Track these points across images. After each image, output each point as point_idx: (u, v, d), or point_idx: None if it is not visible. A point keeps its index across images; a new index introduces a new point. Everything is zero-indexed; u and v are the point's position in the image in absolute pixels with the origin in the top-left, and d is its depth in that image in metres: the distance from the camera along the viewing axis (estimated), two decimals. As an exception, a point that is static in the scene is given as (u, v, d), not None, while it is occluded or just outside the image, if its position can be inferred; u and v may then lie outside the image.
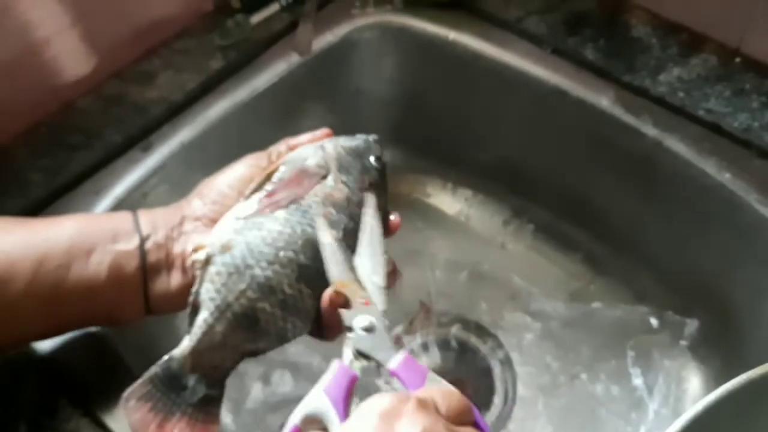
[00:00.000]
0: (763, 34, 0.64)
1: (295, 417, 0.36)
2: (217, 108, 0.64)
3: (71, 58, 0.61)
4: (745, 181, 0.59)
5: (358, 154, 0.47)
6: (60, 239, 0.42)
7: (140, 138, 0.62)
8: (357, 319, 0.40)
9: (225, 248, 0.41)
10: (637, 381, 0.67)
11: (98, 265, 0.42)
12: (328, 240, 0.42)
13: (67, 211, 0.57)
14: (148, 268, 0.43)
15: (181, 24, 0.68)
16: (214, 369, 0.41)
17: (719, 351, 0.65)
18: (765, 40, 0.64)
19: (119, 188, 0.59)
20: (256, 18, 0.69)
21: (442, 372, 0.70)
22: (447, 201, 0.80)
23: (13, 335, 0.43)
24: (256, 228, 0.42)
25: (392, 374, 0.39)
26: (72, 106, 0.63)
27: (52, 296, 0.42)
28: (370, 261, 0.42)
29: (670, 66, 0.65)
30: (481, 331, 0.72)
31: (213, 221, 0.44)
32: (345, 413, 0.36)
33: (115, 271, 0.42)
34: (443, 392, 0.34)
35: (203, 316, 0.40)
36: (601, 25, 0.69)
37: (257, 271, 0.41)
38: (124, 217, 0.44)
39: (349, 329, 0.40)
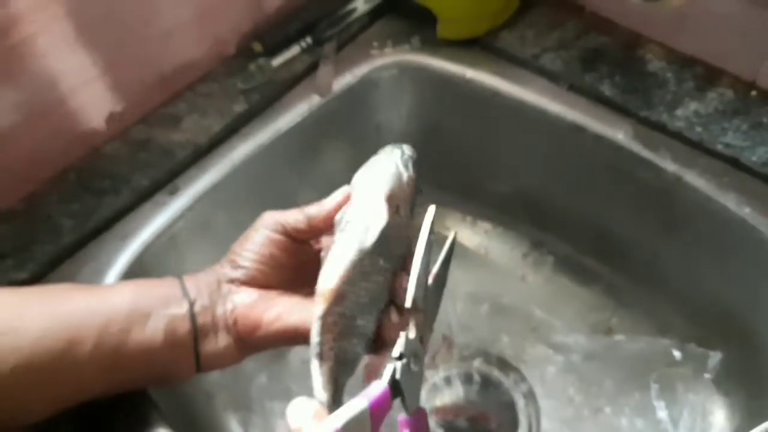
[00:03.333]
0: (779, 67, 0.65)
1: (337, 421, 0.36)
2: (242, 150, 0.66)
3: (99, 105, 0.63)
4: (765, 216, 0.59)
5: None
6: (120, 306, 0.45)
7: (167, 181, 0.63)
8: (410, 354, 0.41)
9: (339, 299, 0.43)
10: (662, 414, 0.67)
11: (154, 330, 0.45)
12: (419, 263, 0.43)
13: (97, 256, 0.59)
14: (198, 330, 0.46)
15: (205, 68, 0.70)
16: None
17: (743, 383, 0.65)
18: (781, 73, 0.65)
19: (147, 232, 0.60)
20: (278, 60, 0.71)
21: (466, 406, 0.70)
22: (467, 234, 0.80)
23: (74, 398, 0.45)
24: (364, 280, 0.43)
25: (400, 422, 0.40)
26: (100, 152, 0.65)
27: (113, 360, 0.44)
28: (434, 301, 0.44)
29: (687, 100, 0.66)
30: (504, 364, 0.72)
31: (243, 283, 0.47)
32: None
33: (170, 335, 0.45)
34: None
35: (329, 365, 0.42)
36: (617, 61, 0.70)
37: (360, 322, 0.43)
38: (172, 283, 0.47)
39: (400, 357, 0.40)
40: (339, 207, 0.47)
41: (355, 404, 0.38)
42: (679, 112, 0.65)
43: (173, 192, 0.63)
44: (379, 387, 0.39)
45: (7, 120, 0.57)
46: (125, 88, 0.64)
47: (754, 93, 0.66)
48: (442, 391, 0.71)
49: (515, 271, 0.78)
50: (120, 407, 0.49)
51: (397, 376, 0.40)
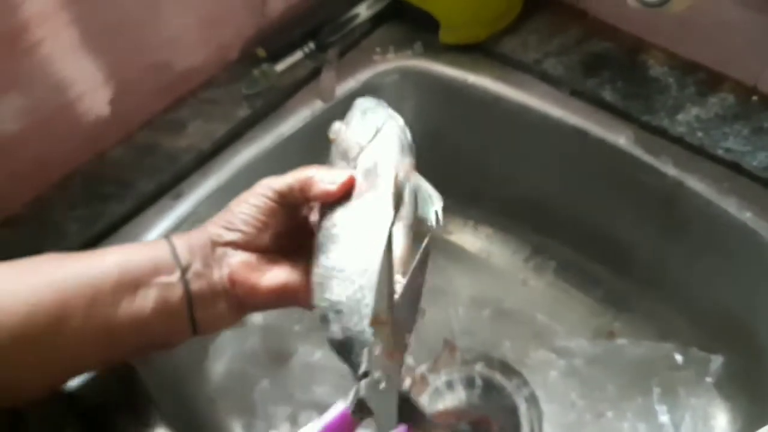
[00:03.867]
0: (780, 72, 0.65)
1: None
2: (245, 155, 0.66)
3: (104, 110, 0.64)
4: (766, 221, 0.59)
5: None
6: (106, 277, 0.44)
7: (171, 186, 0.64)
8: (375, 370, 0.39)
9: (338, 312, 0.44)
10: (664, 418, 0.67)
11: (145, 300, 0.44)
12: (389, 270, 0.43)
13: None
14: (192, 297, 0.45)
15: (209, 74, 0.71)
16: None
17: (745, 387, 0.65)
18: (782, 78, 0.65)
19: (152, 236, 0.61)
20: (281, 66, 0.71)
21: (468, 410, 0.70)
22: (468, 239, 0.81)
23: (68, 373, 0.45)
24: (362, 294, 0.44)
25: None
26: (105, 157, 0.65)
27: (105, 333, 0.44)
28: (407, 312, 0.42)
29: (688, 105, 0.66)
30: (506, 368, 0.72)
31: (238, 246, 0.47)
32: None
33: (163, 305, 0.45)
34: None
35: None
36: (619, 66, 0.70)
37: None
38: (162, 248, 0.46)
39: (365, 375, 0.39)
40: (343, 188, 0.47)
41: (308, 429, 0.37)
42: (680, 117, 0.65)
43: (178, 196, 0.63)
44: (335, 409, 0.38)
45: (14, 125, 0.58)
46: (130, 94, 0.65)
47: (755, 98, 0.66)
48: (444, 395, 0.71)
49: (517, 275, 0.78)
50: (123, 411, 0.50)
51: (362, 394, 0.39)
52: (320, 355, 0.70)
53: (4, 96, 0.56)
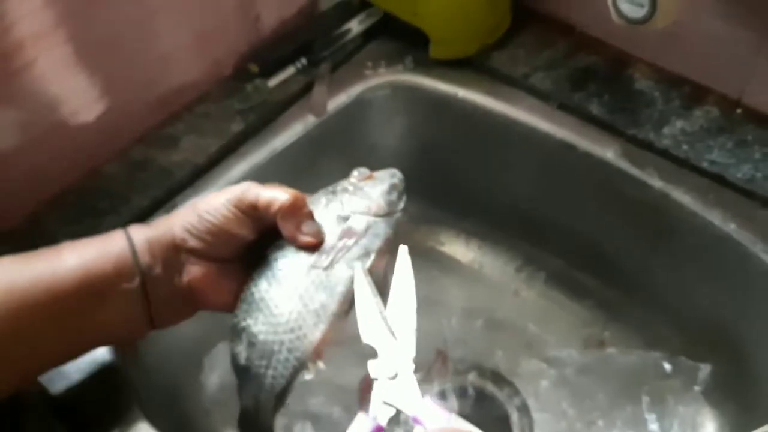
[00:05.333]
0: (764, 85, 0.66)
1: None
2: (238, 169, 0.67)
3: (98, 126, 0.64)
4: (750, 232, 0.60)
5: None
6: (67, 283, 0.43)
7: (165, 201, 0.64)
8: (382, 370, 0.42)
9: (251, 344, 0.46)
10: (653, 426, 0.68)
11: (107, 306, 0.44)
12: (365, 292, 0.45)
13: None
14: (151, 300, 0.45)
15: (202, 89, 0.72)
16: None
17: (733, 396, 0.66)
18: (765, 91, 0.66)
19: (146, 251, 0.62)
20: (273, 81, 0.72)
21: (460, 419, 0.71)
22: (460, 250, 0.82)
23: (35, 371, 0.46)
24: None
25: (414, 421, 0.41)
26: (99, 172, 0.66)
27: (70, 335, 0.44)
28: (403, 306, 0.45)
29: (673, 119, 0.67)
30: (498, 378, 0.73)
31: (202, 254, 0.46)
32: None
33: (124, 310, 0.44)
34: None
35: None
36: (606, 80, 0.71)
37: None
38: (122, 247, 0.44)
39: (375, 379, 0.42)
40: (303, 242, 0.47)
41: None
42: (666, 130, 0.67)
43: (171, 211, 0.64)
44: (356, 424, 0.40)
45: (9, 141, 0.59)
46: (124, 110, 0.66)
47: (739, 111, 0.68)
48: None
49: (509, 286, 0.79)
50: (116, 424, 0.50)
51: (380, 398, 0.41)
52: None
53: (-1, 113, 0.57)
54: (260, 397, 0.45)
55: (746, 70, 0.67)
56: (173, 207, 0.64)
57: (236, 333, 0.46)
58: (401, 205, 0.50)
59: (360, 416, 0.41)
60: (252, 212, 0.46)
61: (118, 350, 0.53)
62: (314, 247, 0.47)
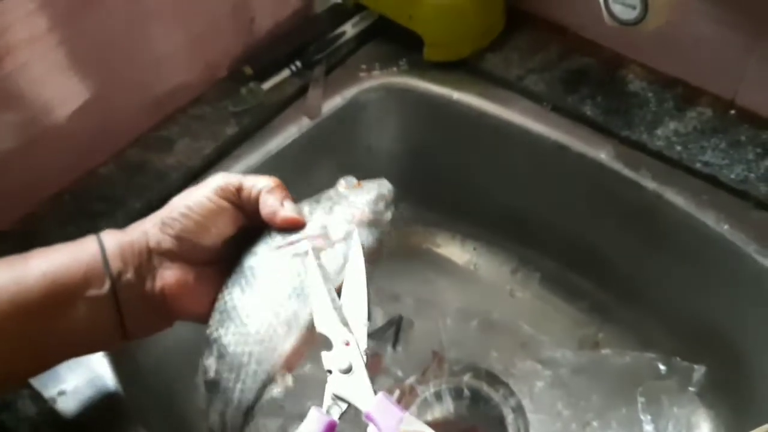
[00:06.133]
0: (757, 86, 0.66)
1: None
2: (233, 171, 0.67)
3: (93, 129, 0.65)
4: (743, 232, 0.60)
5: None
6: (33, 289, 0.42)
7: (160, 203, 0.62)
8: (336, 362, 0.41)
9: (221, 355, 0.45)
10: (648, 427, 0.68)
11: (74, 313, 0.42)
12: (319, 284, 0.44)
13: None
14: (122, 308, 0.44)
15: (197, 92, 0.72)
16: None
17: (728, 396, 0.66)
18: (759, 92, 0.66)
19: (140, 253, 0.62)
20: (268, 84, 0.72)
21: (456, 420, 0.71)
22: (456, 252, 0.82)
23: (4, 382, 0.45)
24: None
25: (366, 418, 0.40)
26: (94, 175, 0.66)
27: (38, 346, 0.43)
28: (354, 298, 0.44)
29: (667, 120, 0.68)
30: (493, 379, 0.73)
31: (178, 256, 0.45)
32: None
33: (91, 318, 0.43)
34: None
35: None
36: (599, 82, 0.71)
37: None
38: (92, 252, 0.44)
39: (329, 372, 0.41)
40: (285, 224, 0.46)
41: None
42: (659, 131, 0.67)
43: (165, 214, 0.64)
44: (308, 419, 0.39)
45: (4, 144, 0.59)
46: (119, 112, 0.66)
47: (732, 112, 0.68)
48: (432, 406, 0.72)
49: (504, 287, 0.79)
50: (112, 427, 0.50)
51: (332, 392, 0.41)
52: (310, 367, 0.71)
53: (-6, 116, 0.57)
54: (227, 414, 0.44)
55: (739, 71, 0.67)
56: (168, 209, 0.64)
57: (208, 344, 0.44)
58: (389, 215, 0.49)
59: (313, 411, 0.40)
60: (235, 198, 0.45)
61: (112, 354, 0.53)
62: (294, 227, 0.46)
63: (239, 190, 0.45)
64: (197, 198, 0.45)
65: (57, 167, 0.64)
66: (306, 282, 0.44)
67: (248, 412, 0.44)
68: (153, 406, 0.57)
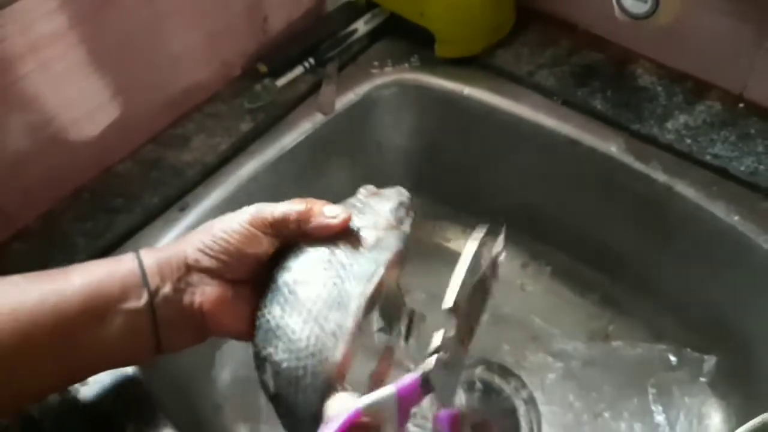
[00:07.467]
0: (765, 79, 0.67)
1: (363, 401, 0.38)
2: (248, 168, 0.68)
3: (111, 126, 0.65)
4: (754, 223, 0.61)
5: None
6: (72, 301, 0.43)
7: (177, 199, 0.66)
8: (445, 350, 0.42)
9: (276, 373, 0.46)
10: (659, 418, 0.69)
11: (110, 326, 0.43)
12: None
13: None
14: (158, 322, 0.45)
15: (212, 89, 0.73)
16: None
17: (739, 387, 0.67)
18: (767, 85, 0.67)
19: (158, 247, 0.63)
20: (282, 81, 0.73)
21: (469, 413, 0.72)
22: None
23: (34, 394, 0.45)
24: None
25: (438, 420, 0.41)
26: (112, 172, 0.67)
27: (71, 356, 0.43)
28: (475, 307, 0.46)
29: (677, 113, 0.68)
30: (505, 371, 0.74)
31: (216, 274, 0.45)
32: (403, 422, 0.39)
33: (128, 331, 0.44)
34: None
35: None
36: (609, 77, 0.72)
37: None
38: (130, 268, 0.45)
39: (436, 351, 0.42)
40: (344, 225, 0.47)
41: (384, 390, 0.39)
42: (669, 124, 0.67)
43: (183, 209, 0.65)
44: (410, 377, 0.40)
45: (24, 142, 0.60)
46: (136, 110, 0.67)
47: (741, 105, 0.69)
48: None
49: (515, 281, 0.80)
50: (130, 418, 0.51)
51: (429, 369, 0.41)
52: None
53: (15, 114, 0.58)
54: (298, 424, 0.45)
55: (748, 64, 0.67)
56: (185, 205, 0.65)
57: (259, 362, 0.45)
58: (409, 221, 0.51)
59: (415, 374, 0.41)
60: (268, 229, 0.46)
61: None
62: (346, 230, 0.47)
63: (271, 223, 0.46)
64: (232, 225, 0.46)
65: (76, 165, 0.65)
66: (343, 291, 0.45)
67: (316, 419, 0.44)
68: (173, 394, 0.58)
